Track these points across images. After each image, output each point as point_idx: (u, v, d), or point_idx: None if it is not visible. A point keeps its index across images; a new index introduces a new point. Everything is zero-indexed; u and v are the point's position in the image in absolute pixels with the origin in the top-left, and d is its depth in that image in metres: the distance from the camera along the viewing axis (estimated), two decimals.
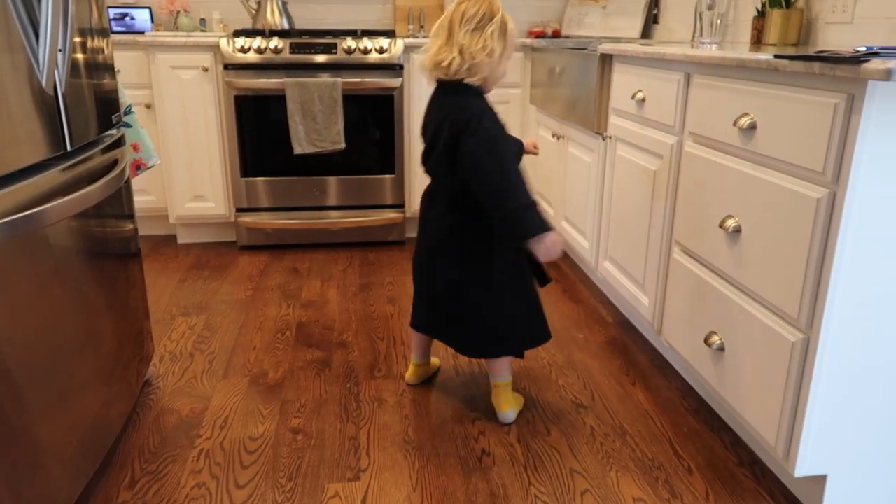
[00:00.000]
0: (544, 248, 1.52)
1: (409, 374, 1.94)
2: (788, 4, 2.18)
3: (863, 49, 1.30)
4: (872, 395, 1.33)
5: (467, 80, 1.57)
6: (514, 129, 3.21)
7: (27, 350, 1.19)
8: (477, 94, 1.61)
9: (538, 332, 1.75)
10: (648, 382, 1.95)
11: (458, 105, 1.57)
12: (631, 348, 2.16)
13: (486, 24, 1.54)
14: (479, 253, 1.64)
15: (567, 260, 2.96)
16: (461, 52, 1.54)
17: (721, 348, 1.58)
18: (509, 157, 1.55)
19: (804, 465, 1.36)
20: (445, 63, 1.55)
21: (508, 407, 1.75)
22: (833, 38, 2.09)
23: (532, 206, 1.52)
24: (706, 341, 1.63)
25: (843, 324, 1.27)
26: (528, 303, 1.72)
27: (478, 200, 1.56)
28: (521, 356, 1.80)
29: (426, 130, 1.67)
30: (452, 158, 1.57)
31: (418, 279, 1.80)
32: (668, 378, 1.97)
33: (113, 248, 1.62)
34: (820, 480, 1.40)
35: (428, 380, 1.95)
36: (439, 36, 1.58)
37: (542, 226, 1.51)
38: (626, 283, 2.21)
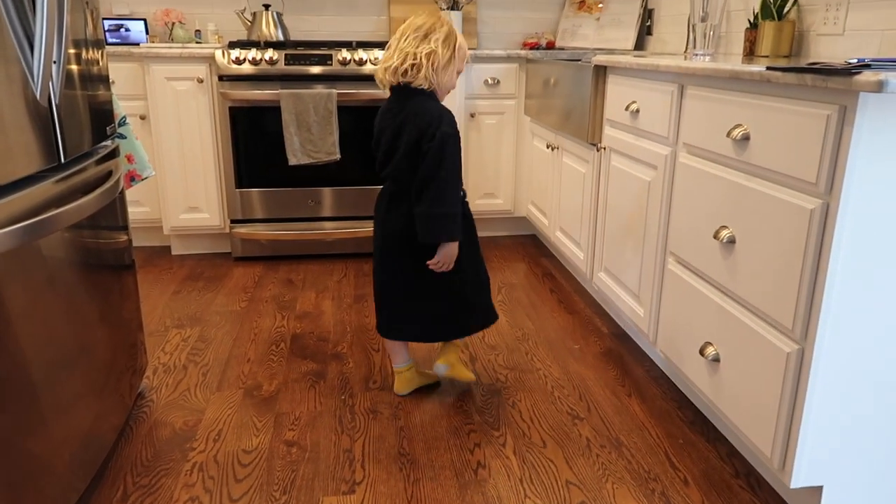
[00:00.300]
0: (444, 253, 1.71)
1: (397, 385, 1.92)
2: (780, 16, 2.20)
3: (854, 61, 1.31)
4: (868, 405, 1.33)
5: (415, 84, 1.67)
6: (508, 140, 3.23)
7: (18, 362, 1.18)
8: (432, 96, 1.72)
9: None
10: (644, 393, 1.95)
11: (418, 109, 1.67)
12: (626, 359, 2.15)
13: (431, 33, 1.66)
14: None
15: (562, 271, 2.96)
16: (404, 55, 1.66)
17: (716, 359, 1.58)
18: (456, 161, 1.68)
19: (800, 477, 1.36)
20: (389, 65, 1.67)
21: (447, 362, 1.91)
22: (825, 50, 2.10)
23: (458, 215, 1.70)
24: (701, 352, 1.63)
25: (837, 334, 1.27)
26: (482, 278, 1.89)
27: None
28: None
29: (381, 136, 1.75)
30: (414, 160, 1.67)
31: (389, 283, 1.82)
32: (664, 389, 1.97)
33: (107, 259, 1.62)
34: (816, 491, 1.40)
35: (421, 389, 1.94)
36: (389, 47, 1.71)
37: (456, 235, 1.70)
38: (621, 293, 2.21)
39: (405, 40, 1.66)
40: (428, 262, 1.73)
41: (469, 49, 3.26)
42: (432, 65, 1.65)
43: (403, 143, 1.67)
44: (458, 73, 1.75)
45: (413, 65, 1.65)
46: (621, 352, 2.20)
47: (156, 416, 1.81)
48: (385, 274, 1.82)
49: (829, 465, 1.36)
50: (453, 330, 1.87)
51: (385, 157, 1.75)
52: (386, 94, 1.77)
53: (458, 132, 1.69)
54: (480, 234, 3.43)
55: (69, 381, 1.36)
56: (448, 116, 1.68)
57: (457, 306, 1.82)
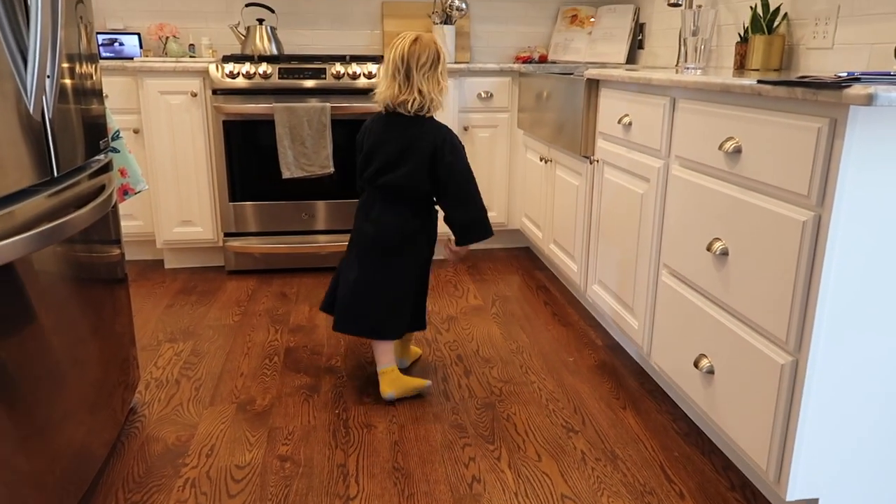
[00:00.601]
0: (464, 251, 1.98)
1: (387, 385, 1.94)
2: (770, 30, 2.22)
3: (844, 74, 1.33)
4: (863, 416, 1.33)
5: (431, 115, 1.87)
6: (501, 153, 3.25)
7: (9, 378, 1.17)
8: (432, 116, 1.90)
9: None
10: (639, 406, 1.94)
11: (430, 127, 1.86)
12: (621, 371, 2.15)
13: (436, 65, 1.84)
14: (432, 244, 1.99)
15: (556, 283, 2.96)
16: (422, 94, 1.82)
17: (710, 371, 1.58)
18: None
19: (796, 489, 1.35)
20: (410, 104, 1.83)
21: (403, 355, 2.14)
22: (814, 64, 2.13)
23: (486, 215, 1.92)
24: (695, 364, 1.63)
25: (831, 345, 1.28)
26: None
27: (429, 205, 1.94)
28: None
29: (379, 147, 1.88)
30: (433, 170, 1.85)
31: (397, 283, 1.93)
32: (659, 401, 1.97)
33: (99, 273, 1.61)
34: None
35: (414, 400, 1.94)
36: (395, 77, 1.83)
37: (486, 234, 1.92)
38: (615, 306, 2.21)
39: (417, 76, 1.81)
40: (452, 255, 2.01)
41: (462, 63, 3.29)
42: (443, 97, 1.87)
43: (416, 156, 1.84)
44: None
45: (430, 105, 1.84)
46: (616, 364, 2.20)
47: (148, 432, 1.80)
48: (398, 272, 1.92)
49: (824, 478, 1.36)
50: (423, 318, 2.08)
51: (384, 167, 1.87)
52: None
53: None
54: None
55: (60, 396, 1.35)
56: (453, 132, 1.90)
57: (425, 297, 2.06)
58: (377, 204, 1.91)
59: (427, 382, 1.99)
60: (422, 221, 1.92)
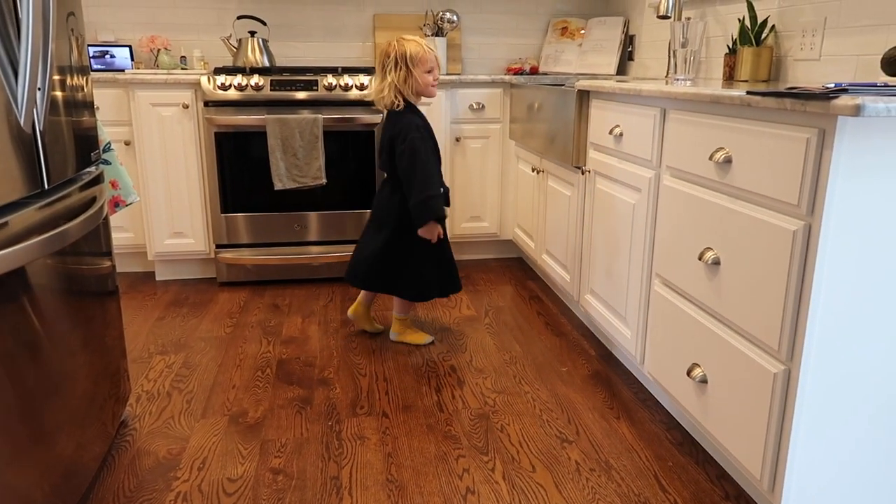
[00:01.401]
0: (425, 232, 2.20)
1: (409, 334, 2.43)
2: (758, 42, 2.25)
3: (832, 85, 1.34)
4: (857, 425, 1.34)
5: (397, 109, 2.20)
6: (493, 164, 3.26)
7: None
8: (409, 112, 2.21)
9: (451, 283, 2.37)
10: (633, 416, 1.94)
11: (395, 122, 2.22)
12: (615, 381, 2.15)
13: (384, 67, 2.18)
14: (409, 220, 2.23)
15: (549, 293, 2.97)
16: (376, 93, 2.21)
17: (704, 380, 1.59)
18: (425, 160, 2.15)
19: (790, 498, 1.36)
20: (382, 100, 2.22)
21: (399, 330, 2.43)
22: (802, 75, 2.15)
23: (426, 200, 2.15)
24: (689, 373, 1.63)
25: (823, 354, 1.28)
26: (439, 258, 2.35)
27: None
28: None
29: (383, 142, 2.27)
30: (392, 156, 2.22)
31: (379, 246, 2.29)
32: (653, 411, 1.97)
33: (90, 285, 1.60)
34: None
35: (410, 412, 1.93)
36: (377, 77, 2.23)
37: (428, 217, 2.17)
38: (608, 315, 2.21)
39: (376, 80, 2.21)
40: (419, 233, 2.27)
41: (454, 74, 3.30)
42: (394, 92, 2.17)
43: (387, 144, 2.22)
44: (427, 72, 2.20)
45: (384, 97, 2.19)
46: (609, 374, 2.20)
47: (139, 445, 1.78)
48: (392, 240, 2.27)
49: (819, 486, 1.36)
50: (414, 291, 2.37)
51: (379, 154, 2.31)
52: (374, 120, 2.20)
53: (426, 137, 2.18)
54: (466, 257, 3.45)
55: (50, 410, 1.34)
56: (417, 128, 2.17)
57: (417, 272, 2.33)
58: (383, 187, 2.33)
59: (428, 339, 2.42)
60: (399, 199, 2.23)
